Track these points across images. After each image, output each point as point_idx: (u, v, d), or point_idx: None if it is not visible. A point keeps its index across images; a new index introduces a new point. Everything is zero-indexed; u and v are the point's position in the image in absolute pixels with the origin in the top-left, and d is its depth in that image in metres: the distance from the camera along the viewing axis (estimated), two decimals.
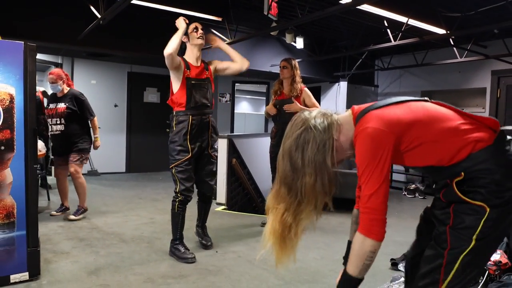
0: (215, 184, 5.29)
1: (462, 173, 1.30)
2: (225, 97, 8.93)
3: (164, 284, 2.70)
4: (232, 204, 5.46)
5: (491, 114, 6.43)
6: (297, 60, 4.21)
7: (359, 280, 1.36)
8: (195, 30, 3.17)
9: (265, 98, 9.83)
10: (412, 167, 1.50)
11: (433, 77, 7.23)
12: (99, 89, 7.39)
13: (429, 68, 6.96)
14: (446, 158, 1.33)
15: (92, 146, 4.44)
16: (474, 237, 1.27)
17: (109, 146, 7.50)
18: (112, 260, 3.10)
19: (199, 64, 3.22)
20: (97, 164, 7.32)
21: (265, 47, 6.74)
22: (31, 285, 2.57)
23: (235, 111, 9.39)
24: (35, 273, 2.63)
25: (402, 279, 2.46)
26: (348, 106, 7.55)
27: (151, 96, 7.94)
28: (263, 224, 4.27)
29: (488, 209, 1.26)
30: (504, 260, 2.52)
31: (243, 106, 12.93)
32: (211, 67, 3.32)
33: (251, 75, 7.75)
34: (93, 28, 4.50)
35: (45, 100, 5.95)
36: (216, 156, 3.44)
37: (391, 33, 4.96)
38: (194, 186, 3.29)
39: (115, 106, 7.57)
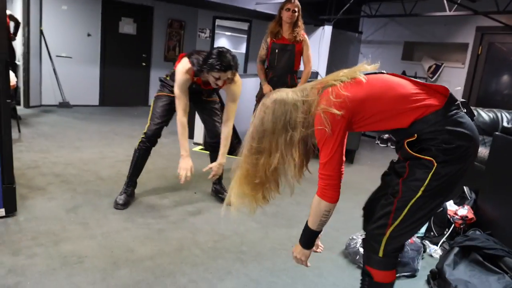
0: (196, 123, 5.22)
1: (415, 135, 1.43)
2: (205, 33, 8.57)
3: (144, 224, 2.73)
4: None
5: (470, 70, 6.51)
6: (282, 0, 4.02)
7: (318, 232, 1.60)
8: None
9: (246, 36, 9.49)
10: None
11: (418, 27, 7.14)
12: (70, 16, 6.89)
13: (415, 18, 6.84)
14: (400, 123, 1.45)
15: None
16: (422, 188, 1.43)
17: (81, 77, 7.18)
18: (90, 197, 3.09)
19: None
20: (69, 95, 7.03)
21: None
22: (7, 221, 2.54)
23: None
24: (11, 210, 2.59)
25: None
26: (331, 51, 7.44)
27: (127, 27, 7.49)
28: None
29: (436, 164, 1.39)
30: (470, 215, 2.68)
31: (222, 43, 12.51)
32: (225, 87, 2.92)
33: (233, 11, 7.40)
34: None
35: (12, 24, 5.53)
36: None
37: None
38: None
39: (88, 35, 7.12)
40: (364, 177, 4.51)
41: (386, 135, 6.73)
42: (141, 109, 7.58)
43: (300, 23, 3.79)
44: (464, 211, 2.70)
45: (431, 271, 2.32)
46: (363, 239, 1.81)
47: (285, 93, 1.53)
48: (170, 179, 3.38)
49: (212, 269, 2.26)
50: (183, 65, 2.79)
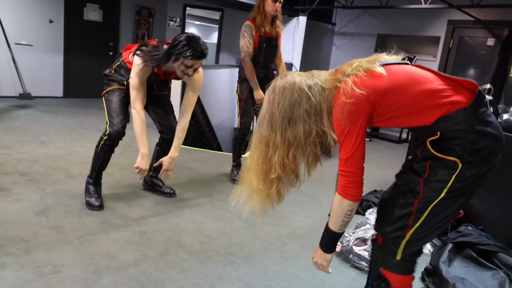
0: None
1: (438, 133, 1.34)
2: (175, 21, 8.27)
3: (123, 226, 2.55)
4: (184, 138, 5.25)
5: (441, 63, 6.63)
6: None
7: (340, 234, 1.48)
8: None
9: (216, 25, 9.26)
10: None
11: (391, 20, 7.19)
12: (30, 0, 6.42)
13: (388, 11, 6.89)
14: (424, 119, 1.36)
15: None
16: (445, 190, 1.35)
17: (43, 67, 6.74)
18: (61, 198, 2.85)
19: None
20: (30, 86, 6.58)
21: None
22: None
23: None
24: None
25: (368, 225, 2.53)
26: (306, 43, 7.36)
27: (92, 13, 7.08)
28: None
29: (460, 165, 1.32)
30: None
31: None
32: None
33: None
34: None
35: None
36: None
37: None
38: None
39: (50, 22, 6.66)
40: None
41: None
42: None
43: (280, 14, 3.57)
44: None
45: (425, 268, 2.28)
46: (372, 240, 1.74)
47: (298, 78, 1.39)
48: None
49: (202, 274, 2.12)
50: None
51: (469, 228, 2.42)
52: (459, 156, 1.31)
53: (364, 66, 1.35)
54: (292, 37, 7.34)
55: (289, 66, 7.01)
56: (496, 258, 2.17)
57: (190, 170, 3.84)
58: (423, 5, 5.54)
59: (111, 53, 7.37)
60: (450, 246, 2.28)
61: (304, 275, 2.22)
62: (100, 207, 2.73)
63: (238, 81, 3.66)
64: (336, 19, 8.13)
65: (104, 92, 2.77)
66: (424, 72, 1.40)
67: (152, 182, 3.17)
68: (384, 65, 1.37)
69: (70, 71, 7.01)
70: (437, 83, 1.35)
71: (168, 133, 2.96)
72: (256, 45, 3.45)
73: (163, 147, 3.02)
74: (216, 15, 9.08)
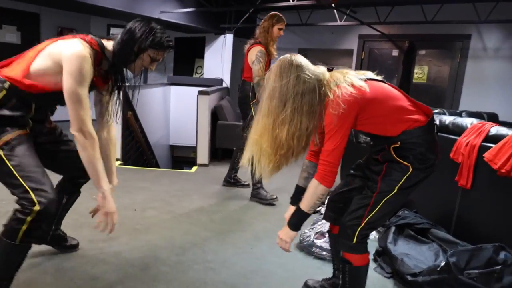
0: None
1: (399, 142, 1.71)
2: None
3: (95, 250, 2.58)
4: (127, 158, 5.26)
5: None
6: (188, 10, 3.94)
7: (309, 215, 1.77)
8: None
9: None
10: (362, 131, 1.87)
11: (309, 36, 7.84)
12: None
13: (307, 28, 7.51)
14: (391, 130, 1.72)
15: None
16: (397, 186, 1.72)
17: None
18: None
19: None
20: None
21: None
22: None
23: None
24: None
25: (324, 220, 2.86)
26: (234, 59, 7.71)
27: (9, 35, 6.70)
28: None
29: (411, 169, 1.70)
30: None
31: None
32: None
33: (132, 20, 7.17)
34: None
35: None
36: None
37: None
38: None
39: None
40: (287, 175, 4.81)
41: None
42: None
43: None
44: None
45: (376, 251, 2.68)
46: (328, 231, 2.09)
47: (312, 68, 1.71)
48: None
49: (187, 282, 2.28)
50: (82, 47, 1.77)
51: (406, 212, 2.88)
52: (411, 162, 1.69)
53: (352, 80, 1.64)
54: (220, 54, 7.64)
55: (219, 82, 7.30)
56: (430, 234, 2.63)
57: (144, 189, 3.91)
58: (338, 23, 6.20)
59: None
60: (393, 228, 2.70)
61: (277, 270, 2.48)
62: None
63: (251, 102, 3.75)
64: None
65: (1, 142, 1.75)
66: (396, 90, 1.75)
67: (57, 236, 2.43)
68: (368, 79, 1.70)
69: None
70: (405, 102, 1.72)
71: (83, 176, 2.08)
72: (266, 69, 3.63)
73: (72, 193, 2.33)
74: None
